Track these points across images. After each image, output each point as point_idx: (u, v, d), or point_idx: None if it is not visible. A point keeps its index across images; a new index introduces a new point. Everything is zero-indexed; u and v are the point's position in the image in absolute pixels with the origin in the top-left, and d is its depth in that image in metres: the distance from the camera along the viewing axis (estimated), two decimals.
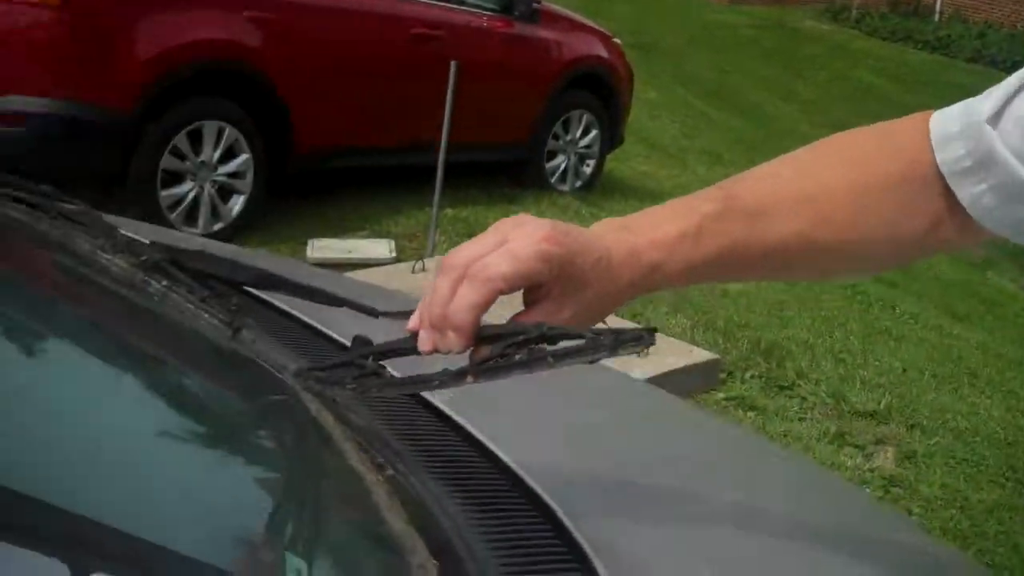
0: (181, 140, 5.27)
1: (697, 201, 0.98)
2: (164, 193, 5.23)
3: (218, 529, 0.86)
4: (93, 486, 0.84)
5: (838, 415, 4.35)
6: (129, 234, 1.47)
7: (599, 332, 0.82)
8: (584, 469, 1.27)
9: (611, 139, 8.00)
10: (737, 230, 0.96)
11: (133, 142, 5.07)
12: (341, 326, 1.36)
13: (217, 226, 5.46)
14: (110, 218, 1.91)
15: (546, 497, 1.06)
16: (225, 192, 5.53)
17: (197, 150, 5.36)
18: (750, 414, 4.20)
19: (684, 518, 1.25)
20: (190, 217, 5.37)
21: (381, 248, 5.53)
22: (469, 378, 0.86)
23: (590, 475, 1.24)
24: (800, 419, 4.26)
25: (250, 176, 5.58)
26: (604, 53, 7.82)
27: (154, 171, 5.16)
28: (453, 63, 5.54)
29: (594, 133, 7.78)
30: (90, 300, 1.25)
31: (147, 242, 1.43)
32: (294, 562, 0.82)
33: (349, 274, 4.98)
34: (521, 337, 0.84)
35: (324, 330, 1.37)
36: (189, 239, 2.17)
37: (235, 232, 5.55)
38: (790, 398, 4.46)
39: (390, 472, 0.93)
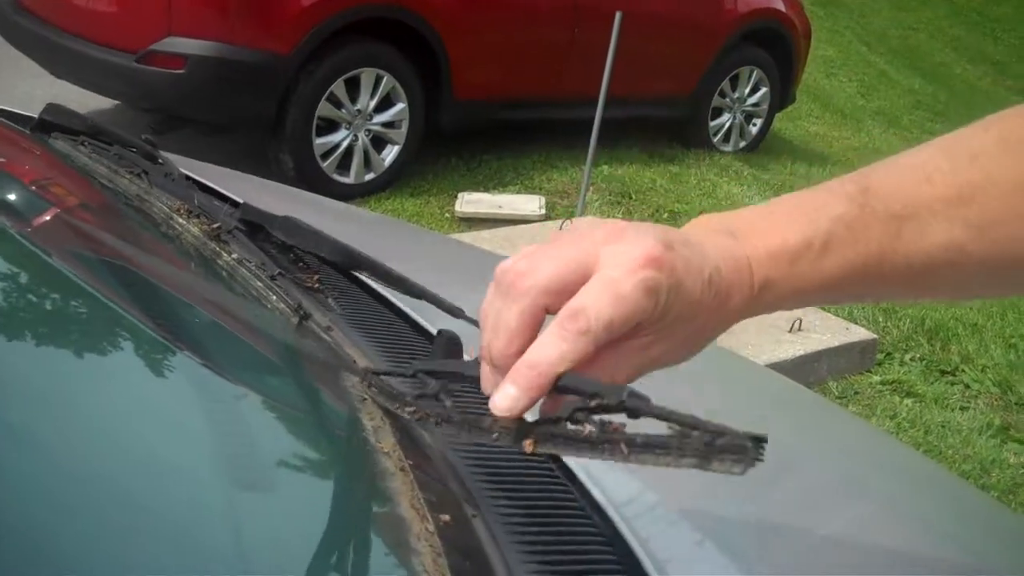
0: (338, 87, 5.24)
1: (824, 197, 0.78)
2: (318, 141, 5.22)
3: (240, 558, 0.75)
4: (115, 489, 0.75)
5: (1004, 407, 4.04)
6: (212, 196, 1.39)
7: (694, 425, 0.63)
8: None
9: (782, 98, 7.67)
10: (875, 239, 0.76)
11: (290, 88, 5.06)
12: (436, 315, 1.24)
13: (368, 176, 5.44)
14: (212, 167, 1.84)
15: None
16: (379, 142, 5.49)
17: (353, 97, 5.32)
18: (907, 401, 3.93)
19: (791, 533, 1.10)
20: (342, 166, 5.35)
21: (531, 204, 5.41)
22: (527, 445, 0.70)
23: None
24: (962, 408, 3.98)
25: (405, 126, 5.53)
26: (781, 6, 7.47)
27: (310, 118, 5.15)
28: (618, 13, 5.35)
29: (763, 91, 7.46)
30: (152, 272, 1.16)
31: (230, 205, 1.33)
32: None
33: (496, 231, 4.90)
34: (595, 402, 0.66)
35: (416, 317, 1.24)
36: (297, 195, 2.08)
37: (385, 184, 5.52)
38: (952, 384, 4.17)
39: (446, 518, 0.80)
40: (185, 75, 4.86)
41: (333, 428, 0.95)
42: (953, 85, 13.55)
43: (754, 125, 7.55)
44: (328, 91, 5.21)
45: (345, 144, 5.35)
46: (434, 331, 1.16)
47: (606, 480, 0.98)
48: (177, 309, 1.12)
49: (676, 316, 0.70)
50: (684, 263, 0.70)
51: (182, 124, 5.31)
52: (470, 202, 5.39)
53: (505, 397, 0.68)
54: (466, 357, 1.04)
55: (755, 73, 7.36)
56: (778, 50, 7.45)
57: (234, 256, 1.16)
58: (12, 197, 1.21)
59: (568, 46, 6.10)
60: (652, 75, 6.58)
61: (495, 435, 0.72)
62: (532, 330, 0.69)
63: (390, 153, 5.53)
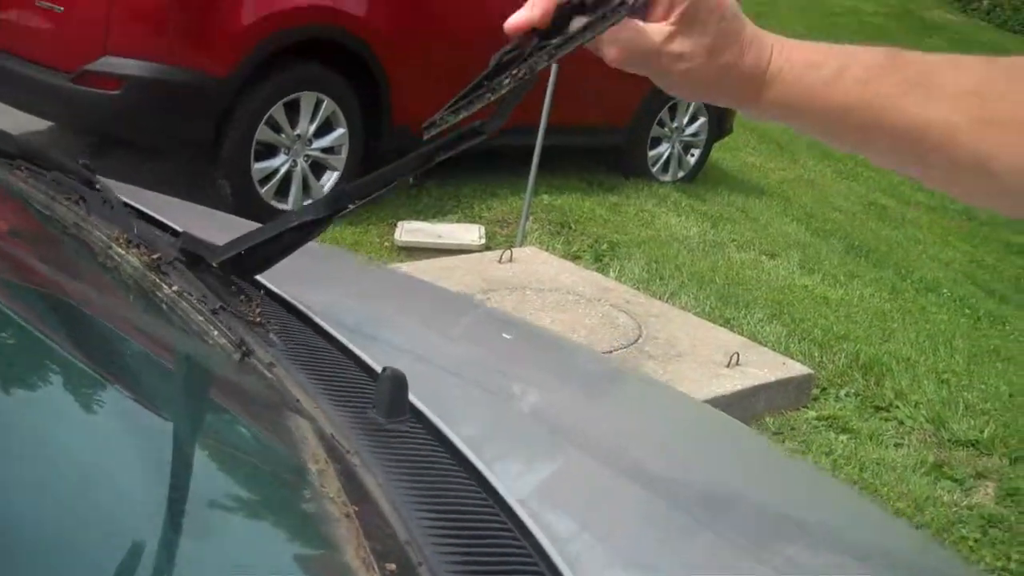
0: (278, 111, 5.19)
1: (860, 48, 0.90)
2: (257, 166, 5.16)
3: None
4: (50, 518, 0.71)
5: (937, 443, 4.09)
6: (152, 224, 1.35)
7: None
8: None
9: (719, 128, 7.74)
10: (884, 90, 0.86)
11: (228, 111, 5.00)
12: (379, 356, 1.21)
13: (307, 202, 5.39)
14: (151, 194, 1.81)
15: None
16: (318, 167, 5.45)
17: (293, 122, 5.28)
18: (842, 437, 3.96)
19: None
20: (280, 191, 5.30)
21: (471, 234, 5.40)
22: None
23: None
24: (896, 445, 4.01)
25: (345, 152, 5.49)
26: None
27: (248, 142, 5.09)
28: None
29: (701, 121, 7.53)
30: (89, 305, 1.12)
31: (171, 234, 1.30)
32: None
33: (436, 260, 4.88)
34: None
35: (359, 354, 1.21)
36: (236, 222, 2.04)
37: None
38: (886, 421, 4.21)
39: (391, 567, 0.77)
40: (121, 96, 4.79)
41: (276, 471, 0.92)
42: None
43: (692, 155, 7.61)
44: (267, 115, 5.15)
45: (284, 169, 5.30)
46: (378, 367, 1.14)
47: (550, 522, 0.97)
48: (114, 343, 1.08)
49: (697, 15, 0.85)
50: None
51: (118, 146, 5.23)
52: (410, 231, 5.36)
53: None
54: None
55: (693, 103, 7.42)
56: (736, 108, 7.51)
57: (174, 288, 1.13)
58: None
59: None
60: (591, 104, 6.60)
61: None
62: None
63: (329, 179, 5.48)
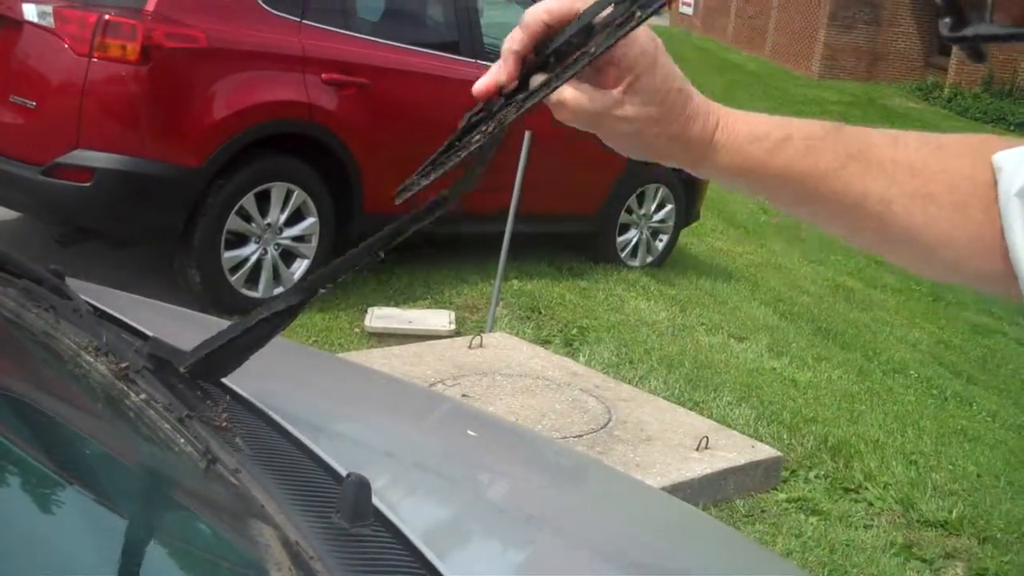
0: (248, 201, 5.24)
1: (800, 121, 0.95)
2: (227, 254, 5.19)
3: None
4: None
5: (906, 524, 4.11)
6: (122, 328, 1.38)
7: None
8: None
9: (687, 215, 7.84)
10: (824, 161, 0.91)
11: (199, 201, 5.04)
12: (344, 456, 1.24)
13: (277, 290, 5.41)
14: (120, 295, 1.83)
15: None
16: (288, 255, 5.48)
17: (264, 211, 5.32)
18: (812, 519, 3.98)
19: None
20: (250, 279, 5.32)
21: (441, 320, 5.43)
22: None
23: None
24: (866, 527, 4.03)
25: (315, 240, 5.53)
26: None
27: (219, 232, 5.12)
28: (527, 132, 5.49)
29: (669, 208, 7.63)
30: (58, 414, 1.15)
31: (140, 339, 1.33)
32: None
33: (407, 347, 4.90)
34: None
35: (324, 457, 1.24)
36: (205, 321, 2.06)
37: None
38: (856, 502, 4.23)
39: None
40: (92, 188, 4.82)
41: None
42: None
43: (660, 241, 7.70)
44: (238, 205, 5.20)
45: (254, 258, 5.33)
46: (343, 470, 1.16)
47: None
48: (83, 451, 1.10)
49: (645, 86, 0.89)
50: (666, 56, 0.91)
51: (88, 236, 5.25)
52: (380, 317, 5.38)
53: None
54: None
55: (661, 191, 7.53)
56: (683, 176, 7.65)
57: (142, 396, 1.15)
58: None
59: None
60: (560, 192, 6.69)
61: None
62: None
63: (300, 267, 5.52)
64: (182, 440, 1.09)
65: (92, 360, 1.23)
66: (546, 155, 6.02)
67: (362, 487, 1.05)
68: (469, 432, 1.62)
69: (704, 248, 8.82)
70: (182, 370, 1.23)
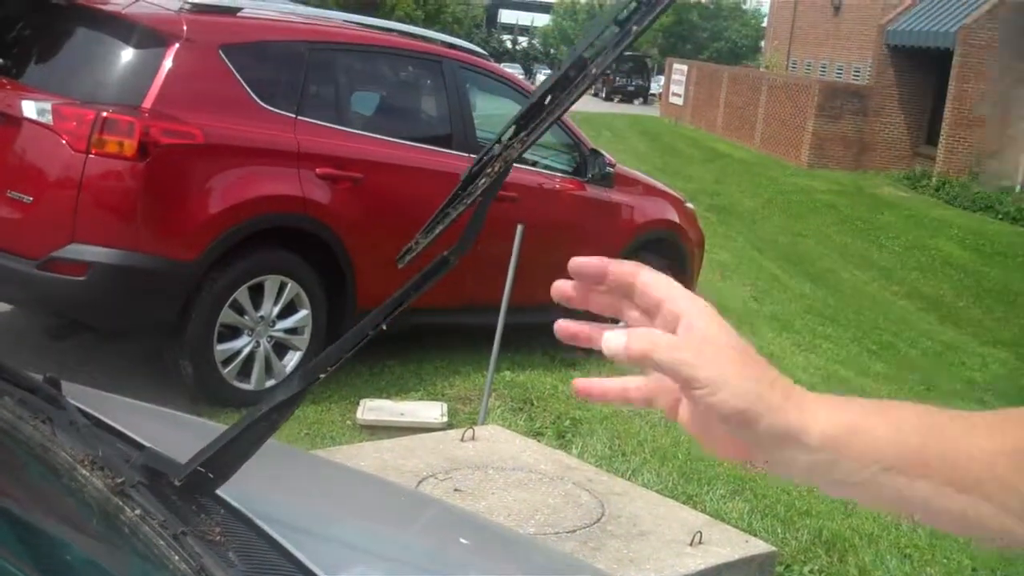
0: (241, 294, 5.27)
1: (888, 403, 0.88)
2: (219, 347, 5.20)
3: None
4: None
5: None
6: (119, 437, 1.39)
7: None
8: None
9: None
10: (914, 437, 0.84)
11: (193, 295, 5.07)
12: (336, 562, 1.25)
13: (269, 383, 5.42)
14: (115, 400, 1.84)
15: None
16: (281, 348, 5.50)
17: (257, 303, 5.35)
18: None
19: None
20: (243, 372, 5.33)
21: (433, 412, 5.43)
22: None
23: None
24: None
25: (308, 332, 5.55)
26: (676, 218, 7.77)
27: (212, 325, 5.15)
28: (519, 226, 5.54)
29: None
30: (53, 528, 1.15)
31: (136, 449, 1.34)
32: None
33: (399, 440, 4.89)
34: None
35: (314, 569, 1.24)
36: (201, 425, 2.08)
37: None
38: None
39: None
40: (87, 282, 4.86)
41: None
42: (842, 289, 14.09)
43: None
44: (231, 298, 5.23)
45: (247, 350, 5.34)
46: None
47: None
48: (77, 567, 1.11)
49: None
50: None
51: (82, 329, 5.27)
52: (372, 409, 5.38)
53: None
54: None
55: None
56: (674, 258, 7.71)
57: (137, 512, 1.16)
58: None
59: (471, 255, 6.22)
60: (553, 284, 6.74)
61: None
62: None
63: (292, 359, 5.53)
64: (176, 557, 1.10)
65: (88, 474, 1.24)
66: (539, 246, 6.09)
67: None
68: (461, 540, 1.63)
69: None
70: (176, 483, 1.24)
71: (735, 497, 4.92)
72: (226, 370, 5.25)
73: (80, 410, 1.41)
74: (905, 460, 0.85)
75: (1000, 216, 20.61)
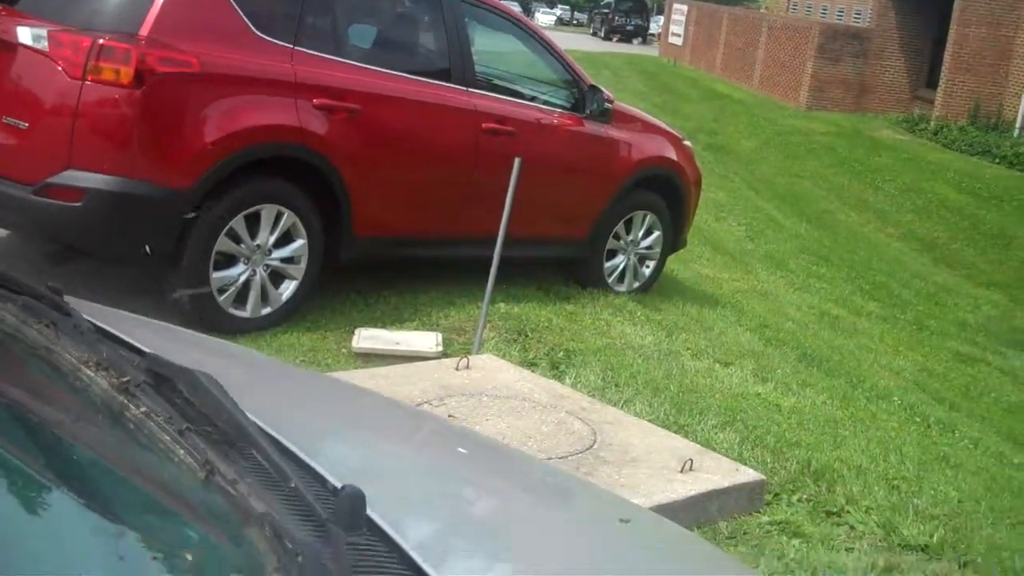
0: (238, 222, 5.27)
1: None
2: (216, 275, 5.22)
3: None
4: None
5: (887, 547, 4.14)
6: (122, 345, 1.41)
7: None
8: None
9: (674, 242, 7.91)
10: None
11: (189, 223, 5.07)
12: (338, 464, 1.28)
13: (265, 311, 5.44)
14: (116, 313, 1.86)
15: None
16: (277, 276, 5.51)
17: (253, 232, 5.35)
18: (794, 542, 4.01)
19: None
20: (238, 300, 5.35)
21: (428, 341, 5.47)
22: None
23: None
24: (847, 550, 4.06)
25: (304, 262, 5.56)
26: (674, 155, 7.75)
27: (208, 253, 5.15)
28: (517, 159, 5.55)
29: (656, 235, 7.69)
30: (59, 425, 1.18)
31: (138, 356, 1.36)
32: None
33: (393, 368, 4.93)
34: None
35: (320, 470, 1.27)
36: (200, 340, 2.10)
37: (282, 318, 5.52)
38: (838, 526, 4.26)
39: None
40: (82, 208, 4.85)
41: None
42: (837, 231, 14.11)
43: (647, 267, 7.76)
44: (228, 226, 5.23)
45: (243, 279, 5.36)
46: (337, 483, 1.20)
47: None
48: (83, 462, 1.14)
49: None
50: None
51: (78, 255, 5.27)
52: (367, 338, 5.41)
53: None
54: None
55: (648, 217, 7.59)
56: (670, 196, 7.72)
57: (142, 409, 1.18)
58: None
59: (468, 187, 6.26)
60: (549, 218, 6.77)
61: None
62: None
63: (288, 288, 5.55)
64: (182, 451, 1.12)
65: (92, 374, 1.26)
66: (537, 179, 6.09)
67: (356, 499, 1.09)
68: (460, 449, 1.66)
69: (690, 275, 8.88)
70: (179, 387, 1.27)
71: (726, 428, 4.97)
72: (222, 298, 5.27)
73: (85, 318, 1.43)
74: None
75: (997, 160, 20.56)
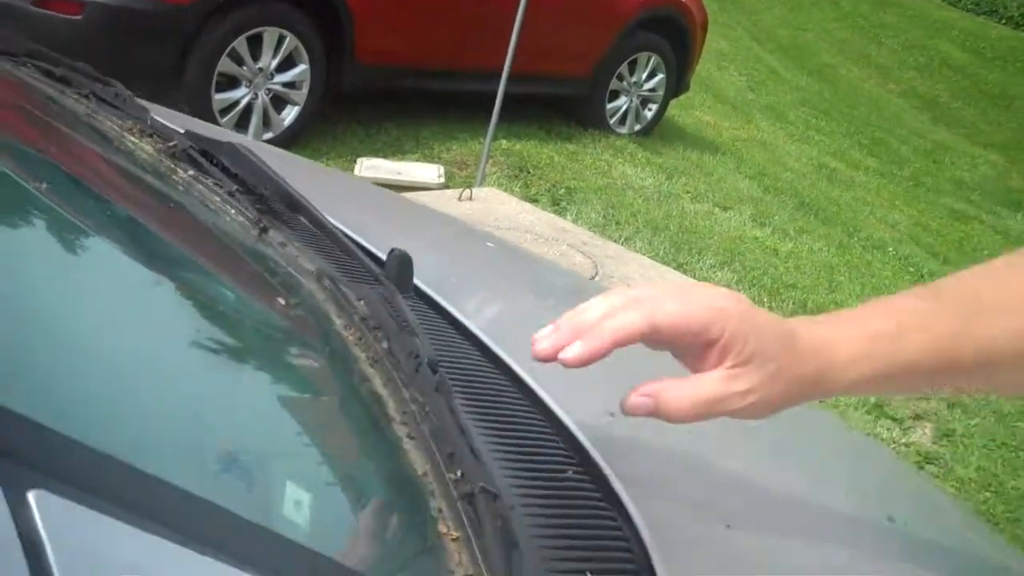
0: (240, 44, 5.19)
1: (899, 299, 0.87)
2: (218, 96, 5.16)
3: (216, 450, 0.78)
4: (87, 398, 0.77)
5: None
6: (160, 120, 1.40)
7: None
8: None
9: (677, 85, 7.83)
10: (945, 327, 0.83)
11: (191, 41, 4.99)
12: (376, 237, 1.29)
13: (267, 135, 5.40)
14: (146, 104, 1.85)
15: (582, 439, 0.97)
16: (279, 102, 5.46)
17: (255, 55, 5.27)
18: None
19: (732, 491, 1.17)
20: (241, 124, 5.30)
21: (430, 172, 5.45)
22: None
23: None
24: None
25: (306, 88, 5.50)
26: None
27: (210, 73, 5.09)
28: None
29: (660, 77, 7.61)
30: (111, 182, 1.18)
31: (180, 130, 1.36)
32: (294, 492, 0.75)
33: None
34: None
35: (359, 240, 1.28)
36: (228, 135, 2.08)
37: (284, 144, 5.48)
38: None
39: (416, 400, 0.85)
40: (82, 21, 4.75)
41: (304, 323, 0.99)
42: (838, 85, 13.96)
43: (649, 110, 7.70)
44: (230, 47, 5.15)
45: (245, 102, 5.30)
46: (380, 254, 1.22)
47: (537, 373, 1.04)
48: (138, 216, 1.14)
49: (750, 352, 0.80)
50: (757, 312, 0.82)
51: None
52: (369, 167, 5.40)
53: (573, 350, 0.78)
54: None
55: (652, 59, 7.50)
56: (675, 38, 7.60)
57: (190, 173, 1.19)
58: None
59: (473, 19, 6.14)
60: (554, 54, 6.66)
61: None
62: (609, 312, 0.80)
63: (290, 113, 5.50)
64: (233, 211, 1.13)
65: (137, 140, 1.26)
66: (542, 13, 5.98)
67: (405, 261, 1.10)
68: (488, 244, 1.67)
69: (691, 121, 8.82)
70: (220, 157, 1.27)
71: (723, 267, 5.02)
72: (224, 120, 5.22)
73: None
74: (940, 373, 0.84)
75: (1003, 20, 20.24)
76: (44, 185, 1.07)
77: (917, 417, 4.06)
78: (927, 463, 3.72)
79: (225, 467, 0.69)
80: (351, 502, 0.77)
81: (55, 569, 0.42)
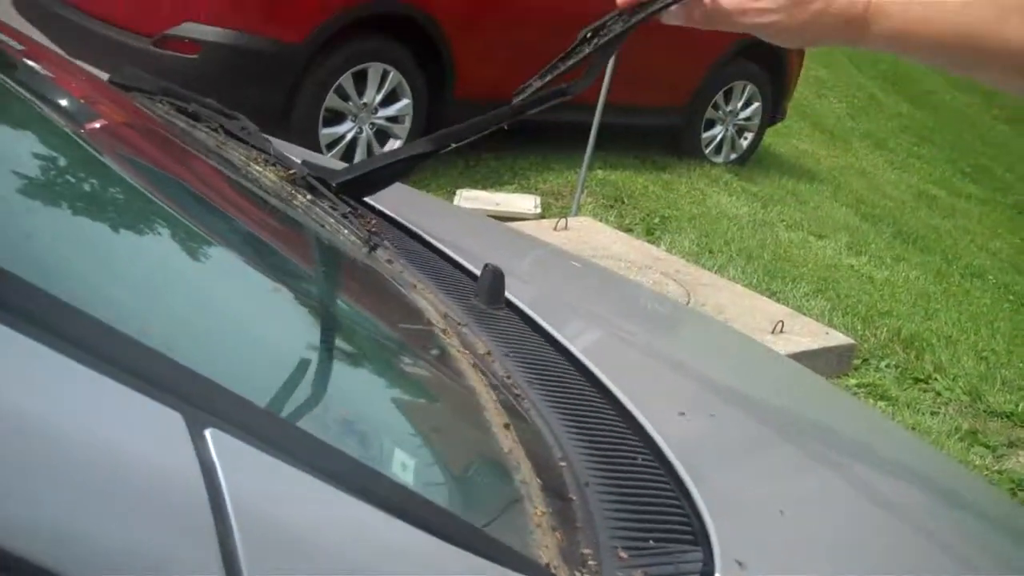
0: (346, 80, 5.41)
1: None
2: (324, 131, 5.38)
3: (338, 425, 0.92)
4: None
5: (973, 413, 4.24)
6: (280, 151, 1.56)
7: None
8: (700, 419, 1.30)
9: (773, 113, 7.87)
10: (982, 19, 0.88)
11: (300, 78, 5.22)
12: (474, 258, 1.42)
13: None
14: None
15: (653, 433, 1.09)
16: (382, 135, 5.66)
17: (360, 91, 5.49)
18: (880, 403, 4.13)
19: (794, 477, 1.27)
20: (345, 157, 5.51)
21: (527, 203, 5.60)
22: None
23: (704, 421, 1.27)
24: (932, 413, 4.17)
25: (408, 121, 5.70)
26: None
27: (317, 109, 5.31)
28: None
29: (756, 106, 7.67)
30: (239, 204, 1.33)
31: (298, 160, 1.51)
32: (401, 456, 0.88)
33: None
34: None
35: (456, 258, 1.43)
36: (339, 165, 2.25)
37: None
38: (924, 391, 4.36)
39: (510, 394, 0.98)
40: (199, 60, 5.02)
41: (408, 328, 1.13)
42: (940, 112, 13.80)
43: (745, 139, 7.75)
44: (336, 83, 5.38)
45: (350, 136, 5.52)
46: (475, 270, 1.35)
47: (621, 383, 1.16)
48: (267, 234, 1.29)
49: None
50: None
51: None
52: (468, 199, 5.56)
53: None
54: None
55: (748, 88, 7.56)
56: (771, 67, 7.66)
57: (308, 198, 1.34)
58: (114, 146, 1.38)
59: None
60: (649, 85, 6.77)
61: None
62: None
63: (392, 147, 5.70)
64: (346, 231, 1.28)
65: (261, 169, 1.42)
66: (638, 45, 6.09)
67: (498, 275, 1.23)
68: (574, 263, 1.80)
69: (788, 149, 8.84)
70: (335, 185, 1.42)
71: (818, 296, 5.05)
72: (329, 154, 5.44)
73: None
74: (965, 51, 0.90)
75: None
76: (184, 208, 1.23)
77: (1011, 444, 4.05)
78: (1020, 490, 3.72)
79: (349, 432, 0.83)
80: (449, 467, 0.90)
81: (226, 492, 0.55)
